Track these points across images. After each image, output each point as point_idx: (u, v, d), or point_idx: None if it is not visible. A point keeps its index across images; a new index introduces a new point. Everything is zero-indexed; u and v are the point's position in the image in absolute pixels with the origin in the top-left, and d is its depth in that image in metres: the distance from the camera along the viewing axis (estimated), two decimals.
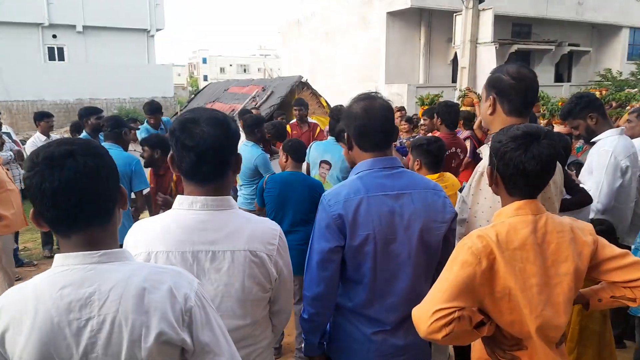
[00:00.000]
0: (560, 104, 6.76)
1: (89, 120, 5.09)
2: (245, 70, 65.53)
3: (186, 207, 1.53)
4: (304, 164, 4.01)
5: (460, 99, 8.70)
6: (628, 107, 6.07)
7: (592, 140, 3.17)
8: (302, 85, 12.28)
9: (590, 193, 3.00)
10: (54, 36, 22.16)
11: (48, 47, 22.19)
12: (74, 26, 22.11)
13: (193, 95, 23.81)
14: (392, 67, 15.76)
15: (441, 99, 9.31)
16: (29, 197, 1.13)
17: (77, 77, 21.23)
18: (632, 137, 3.55)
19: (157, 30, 24.56)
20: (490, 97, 2.03)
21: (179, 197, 1.57)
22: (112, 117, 4.71)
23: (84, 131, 5.28)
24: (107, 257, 1.14)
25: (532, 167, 1.54)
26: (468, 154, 5.11)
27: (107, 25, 22.66)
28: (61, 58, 22.54)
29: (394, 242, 1.86)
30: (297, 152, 3.70)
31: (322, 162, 4.40)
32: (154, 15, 23.91)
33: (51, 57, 22.38)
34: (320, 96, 12.70)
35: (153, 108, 6.33)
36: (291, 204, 3.53)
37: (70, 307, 1.09)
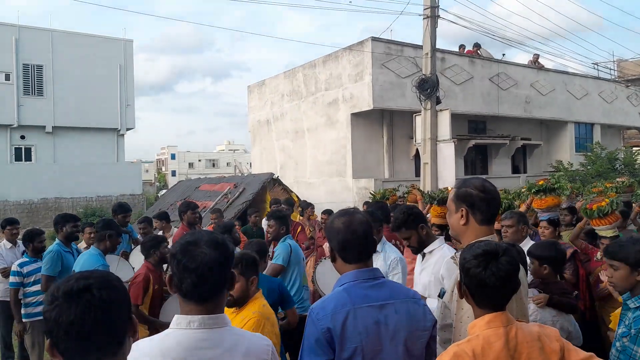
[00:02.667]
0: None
1: (65, 227, 4.98)
2: (214, 165, 66.39)
3: (184, 326, 1.60)
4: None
5: (405, 195, 9.09)
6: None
7: (426, 250, 3.38)
8: (273, 182, 12.59)
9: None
10: (22, 137, 22.25)
11: (15, 148, 22.18)
12: (43, 127, 22.34)
13: (162, 192, 23.85)
14: (358, 163, 16.41)
15: (398, 193, 9.71)
16: (46, 328, 1.19)
17: (43, 176, 21.10)
18: (514, 242, 3.83)
19: (128, 129, 25.03)
20: (462, 209, 2.21)
21: (176, 316, 1.63)
22: (102, 219, 4.80)
23: (56, 238, 5.05)
24: None
25: (492, 282, 1.69)
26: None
27: (77, 126, 22.98)
28: (28, 158, 22.47)
29: (381, 353, 1.93)
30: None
31: None
32: (125, 115, 24.47)
33: (18, 158, 22.28)
34: (292, 192, 12.99)
35: (123, 209, 6.43)
36: None
37: None
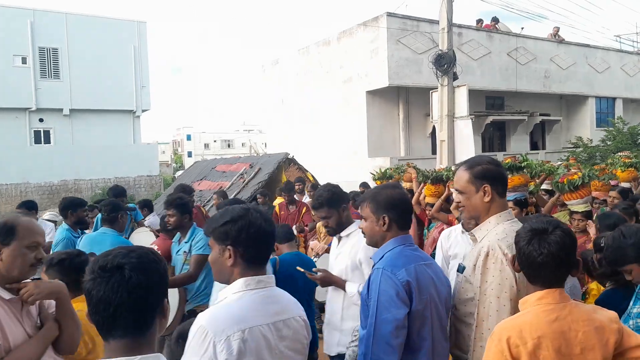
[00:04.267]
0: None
1: (75, 212, 4.88)
2: (229, 146, 66.61)
3: None
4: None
5: (401, 174, 8.25)
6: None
7: (343, 234, 3.18)
8: (289, 161, 12.57)
9: None
10: (41, 120, 22.52)
11: (34, 131, 22.48)
12: (60, 110, 22.57)
13: (178, 173, 24.02)
14: (374, 141, 16.31)
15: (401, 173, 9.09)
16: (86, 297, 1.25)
17: (62, 159, 21.39)
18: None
19: (143, 111, 25.16)
20: (484, 187, 2.20)
21: None
22: (110, 201, 4.77)
23: (63, 222, 4.92)
24: None
25: (541, 259, 1.66)
26: None
27: (93, 108, 23.17)
28: (47, 141, 22.78)
29: (438, 306, 2.14)
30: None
31: None
32: (140, 97, 24.57)
33: (37, 141, 22.60)
34: (307, 171, 12.97)
35: (117, 192, 6.43)
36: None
37: None
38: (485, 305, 2.05)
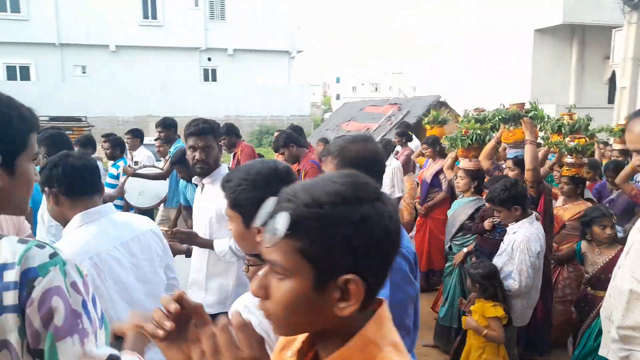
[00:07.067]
0: None
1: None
2: (376, 89, 66.32)
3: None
4: None
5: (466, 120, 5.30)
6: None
7: (207, 180, 2.86)
8: (440, 104, 12.06)
9: None
10: (209, 59, 24.64)
11: (204, 69, 24.74)
12: (225, 49, 24.37)
13: (326, 114, 24.71)
14: (539, 86, 14.77)
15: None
16: None
17: (226, 96, 23.29)
18: None
19: (298, 52, 26.01)
20: None
21: None
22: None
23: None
24: None
25: None
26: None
27: (253, 48, 24.59)
28: (214, 79, 24.96)
29: None
30: None
31: None
32: (295, 38, 25.38)
33: (206, 78, 24.90)
34: (459, 115, 12.34)
35: (167, 124, 5.89)
36: None
37: None
38: None
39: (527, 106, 4.15)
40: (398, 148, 7.52)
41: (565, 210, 4.17)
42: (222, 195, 2.53)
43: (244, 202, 1.53)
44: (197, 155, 2.74)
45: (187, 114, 22.65)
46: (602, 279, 3.26)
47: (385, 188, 6.50)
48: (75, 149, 4.42)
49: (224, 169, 2.83)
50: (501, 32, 15.73)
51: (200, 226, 2.77)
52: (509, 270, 3.24)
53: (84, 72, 22.73)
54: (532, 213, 3.39)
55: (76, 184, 1.87)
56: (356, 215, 0.79)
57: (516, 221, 3.31)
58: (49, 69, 21.92)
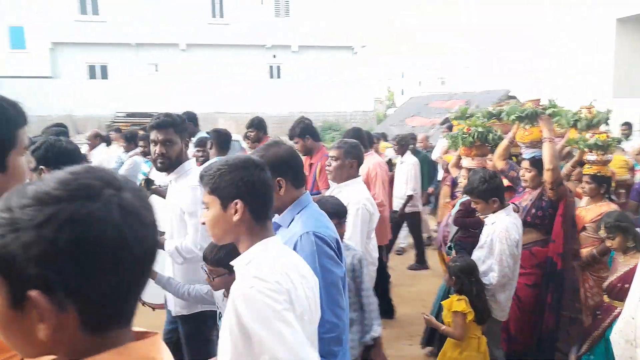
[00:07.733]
0: None
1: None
2: (442, 83, 64.64)
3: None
4: None
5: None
6: None
7: (173, 176, 2.83)
8: (509, 99, 11.51)
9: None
10: (274, 56, 24.99)
11: (269, 66, 25.13)
12: (289, 46, 24.60)
13: (389, 110, 24.31)
14: (622, 79, 13.70)
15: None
16: None
17: (290, 92, 23.53)
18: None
19: (361, 47, 25.78)
20: None
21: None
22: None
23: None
24: None
25: None
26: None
27: (317, 45, 24.65)
28: (278, 76, 25.30)
29: None
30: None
31: None
32: (358, 34, 25.20)
33: (271, 75, 25.28)
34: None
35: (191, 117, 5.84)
36: None
37: None
38: None
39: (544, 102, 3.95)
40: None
41: (588, 211, 3.91)
42: (184, 194, 2.61)
43: (223, 183, 1.56)
44: (157, 149, 2.65)
45: (253, 110, 23.22)
46: (618, 288, 3.06)
47: (401, 185, 6.43)
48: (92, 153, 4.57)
49: (189, 164, 2.76)
50: (579, 20, 14.74)
51: (165, 224, 2.73)
52: (489, 263, 3.23)
53: (156, 70, 23.79)
54: (508, 204, 3.40)
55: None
56: (37, 217, 0.67)
57: (493, 212, 3.30)
58: (125, 68, 23.13)
